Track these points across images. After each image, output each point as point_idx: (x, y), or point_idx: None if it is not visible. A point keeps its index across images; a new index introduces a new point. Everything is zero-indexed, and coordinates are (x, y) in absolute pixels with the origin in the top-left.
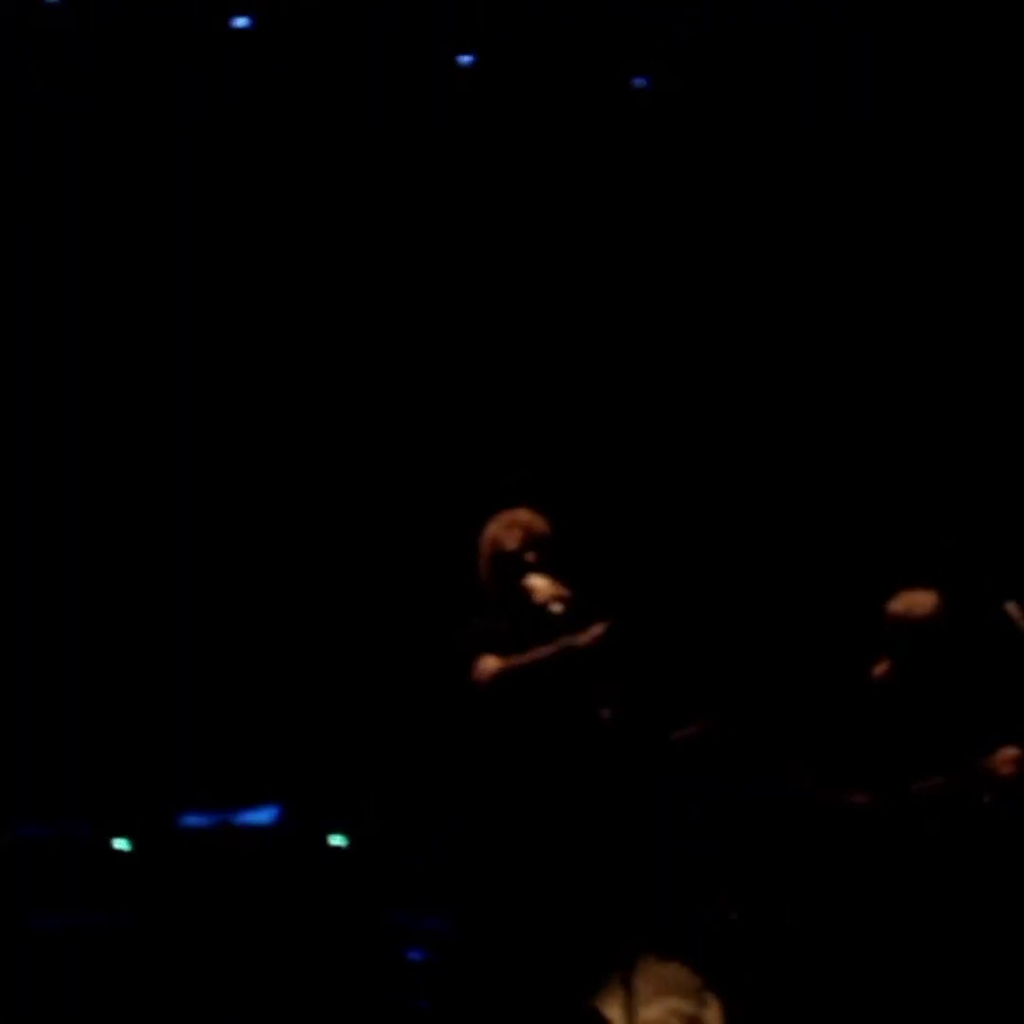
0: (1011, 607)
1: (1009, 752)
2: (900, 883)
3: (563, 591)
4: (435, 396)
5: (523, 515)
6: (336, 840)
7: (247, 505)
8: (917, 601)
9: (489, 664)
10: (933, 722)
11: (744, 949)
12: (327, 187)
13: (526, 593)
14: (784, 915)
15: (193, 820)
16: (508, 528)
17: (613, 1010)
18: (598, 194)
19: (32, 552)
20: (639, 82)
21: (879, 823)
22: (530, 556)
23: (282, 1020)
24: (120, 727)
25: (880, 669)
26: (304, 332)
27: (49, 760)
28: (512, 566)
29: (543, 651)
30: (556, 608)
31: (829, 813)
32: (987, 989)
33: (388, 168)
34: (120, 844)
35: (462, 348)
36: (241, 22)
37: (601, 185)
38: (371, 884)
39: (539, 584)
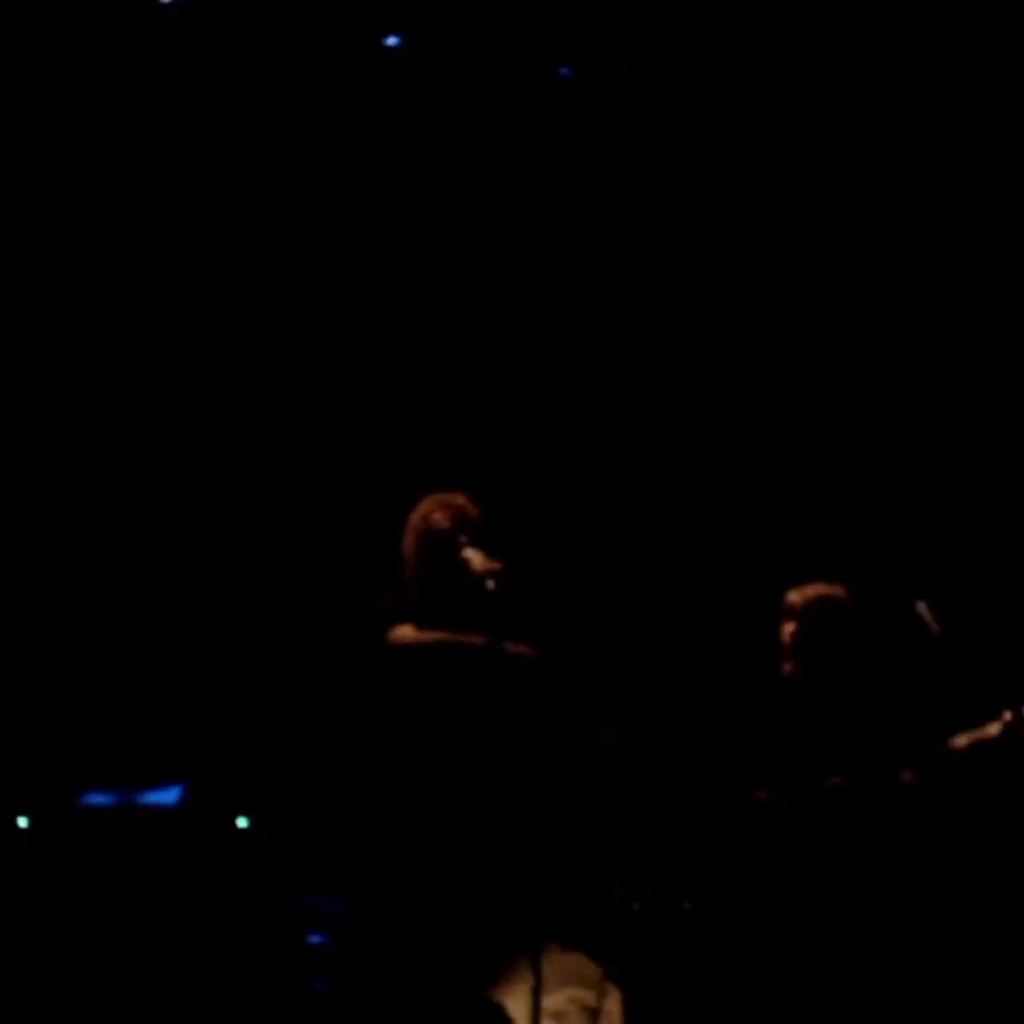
0: (921, 606)
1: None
2: (798, 879)
3: (496, 566)
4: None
5: (457, 498)
6: (240, 822)
7: (156, 481)
8: (817, 591)
9: (405, 631)
10: (838, 718)
11: (645, 940)
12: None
13: (461, 566)
14: (685, 906)
15: (95, 799)
16: (442, 508)
17: (515, 999)
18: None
19: None
20: (564, 72)
21: (778, 819)
22: (463, 538)
23: (182, 1004)
24: (23, 703)
25: (788, 667)
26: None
27: None
28: (444, 545)
29: (467, 641)
30: (490, 584)
31: (732, 807)
32: (884, 984)
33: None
34: (19, 821)
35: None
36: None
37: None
38: (273, 866)
39: (475, 557)
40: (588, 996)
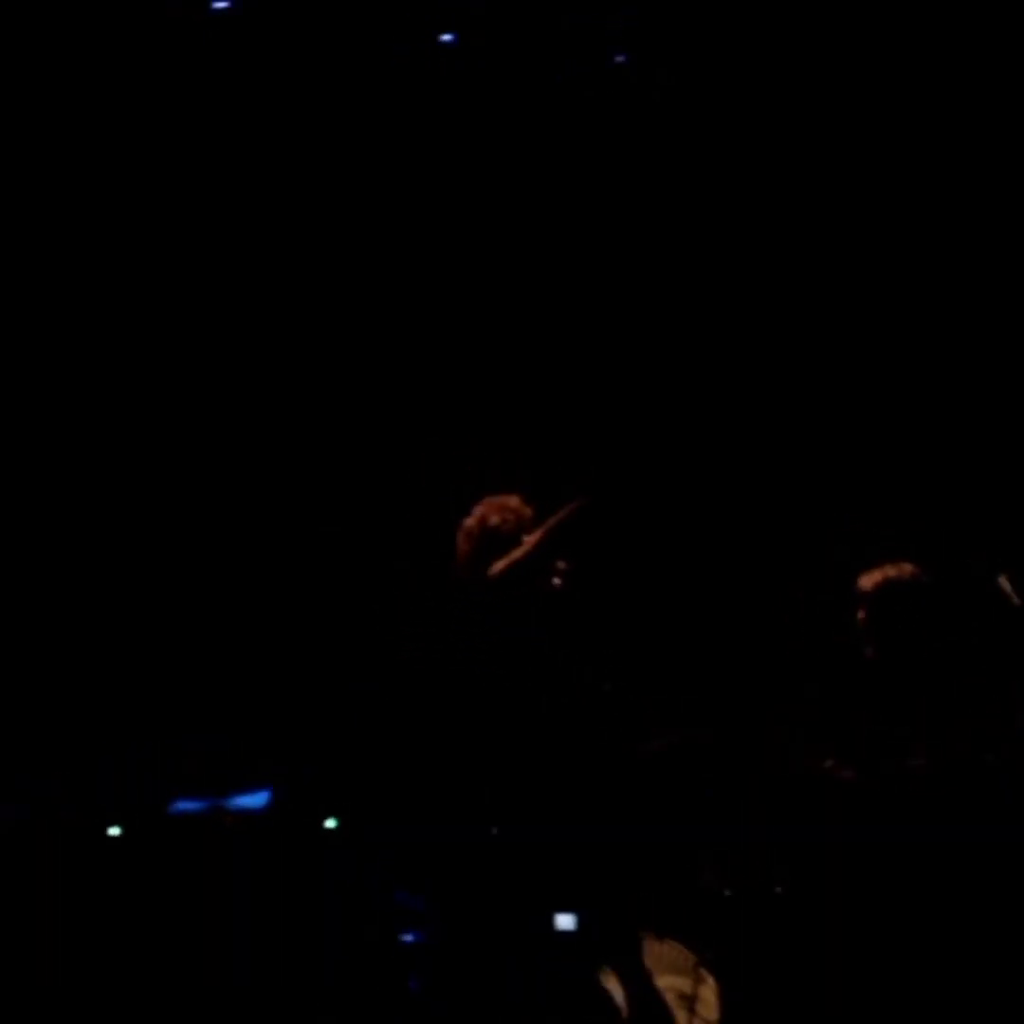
0: (1003, 580)
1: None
2: (885, 861)
3: (561, 565)
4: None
5: (514, 501)
6: (329, 823)
7: (228, 493)
8: (886, 575)
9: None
10: (923, 698)
11: (738, 927)
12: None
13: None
14: (777, 892)
15: (184, 805)
16: (501, 511)
17: (615, 987)
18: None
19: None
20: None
21: (866, 798)
22: (525, 538)
23: (276, 1005)
24: (110, 714)
25: (869, 651)
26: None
27: (41, 745)
28: (504, 547)
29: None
30: (556, 581)
31: (818, 788)
32: (974, 968)
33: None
34: (111, 830)
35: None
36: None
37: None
38: (364, 866)
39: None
40: (683, 983)
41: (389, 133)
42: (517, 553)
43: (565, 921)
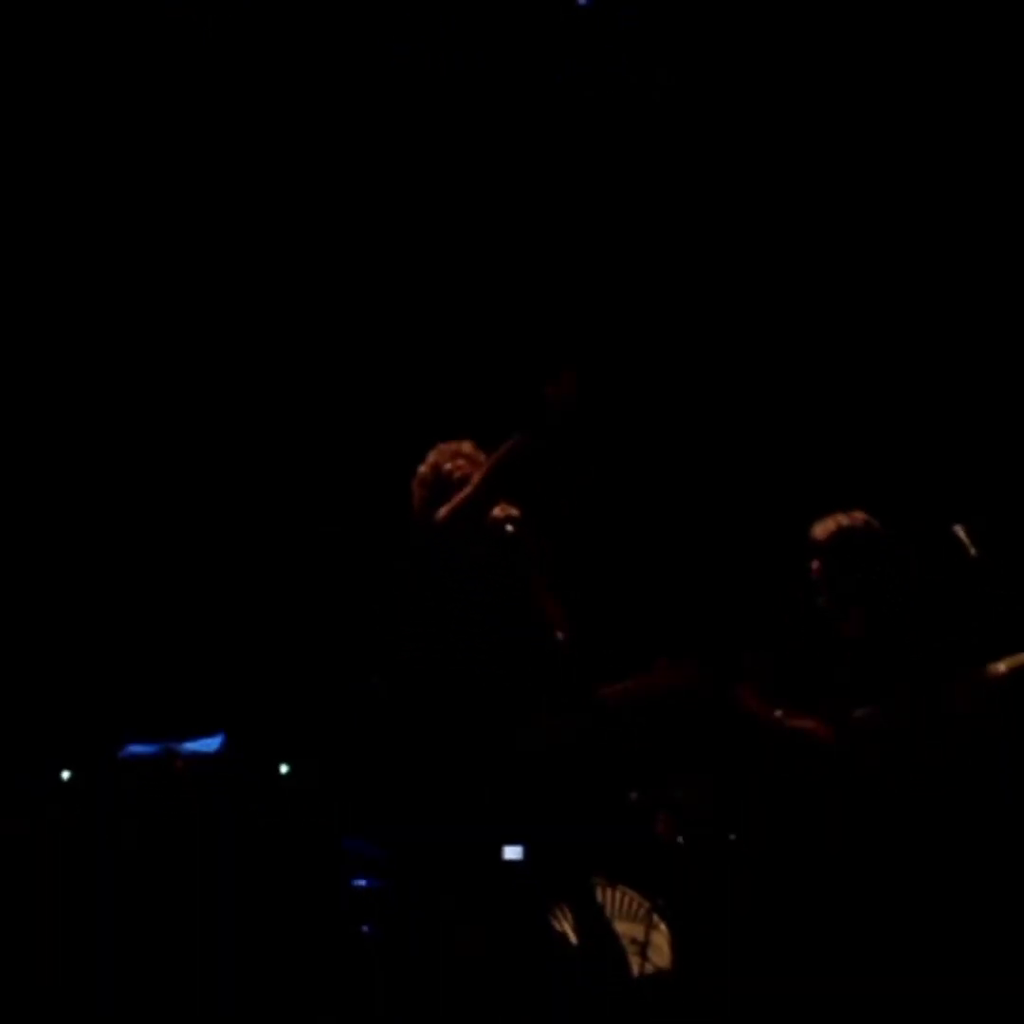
0: (959, 529)
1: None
2: (846, 809)
3: (513, 511)
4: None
5: (467, 446)
6: (281, 768)
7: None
8: (838, 524)
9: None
10: (878, 647)
11: (691, 874)
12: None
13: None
14: (730, 838)
15: (136, 749)
16: (452, 458)
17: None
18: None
19: None
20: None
21: (825, 749)
22: None
23: (226, 951)
24: (65, 658)
25: (823, 601)
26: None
27: None
28: (457, 492)
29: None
30: (508, 527)
31: (776, 739)
32: (926, 913)
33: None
34: (63, 774)
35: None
36: None
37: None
38: (316, 811)
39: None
40: (636, 930)
41: (389, 133)
42: (459, 496)
43: (512, 851)
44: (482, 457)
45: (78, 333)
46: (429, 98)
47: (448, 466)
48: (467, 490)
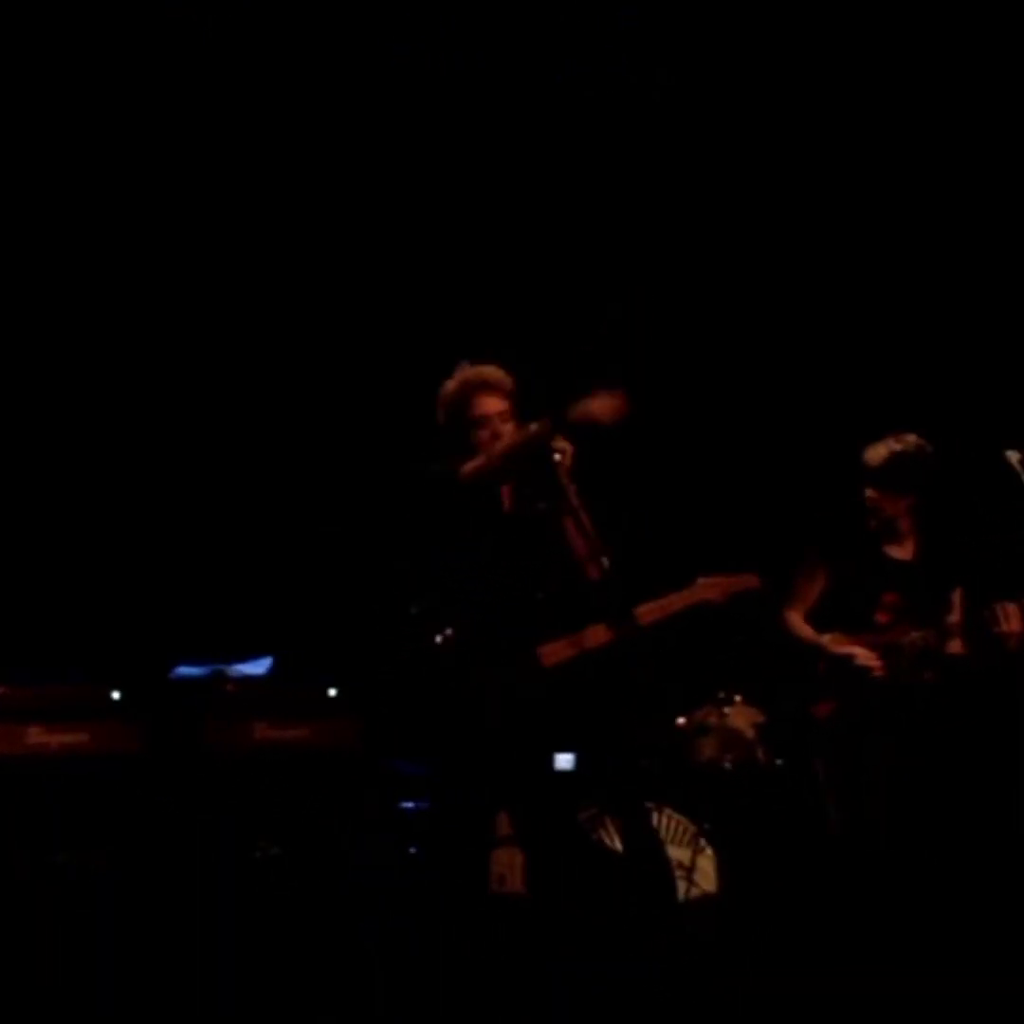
0: (1012, 455)
1: (1011, 608)
2: (893, 735)
3: (565, 444)
4: None
5: (492, 375)
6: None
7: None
8: (890, 448)
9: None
10: (929, 572)
11: (738, 799)
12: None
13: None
14: (777, 763)
15: (185, 671)
16: (477, 394)
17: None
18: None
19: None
20: None
21: (875, 674)
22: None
23: (274, 871)
24: (113, 579)
25: (872, 524)
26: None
27: (42, 611)
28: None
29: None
30: (557, 457)
31: (825, 663)
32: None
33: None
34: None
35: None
36: None
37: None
38: (366, 734)
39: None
40: (682, 854)
41: (389, 133)
42: (479, 463)
43: (564, 760)
44: (506, 382)
45: (78, 331)
46: (429, 98)
47: (472, 413)
48: (486, 462)
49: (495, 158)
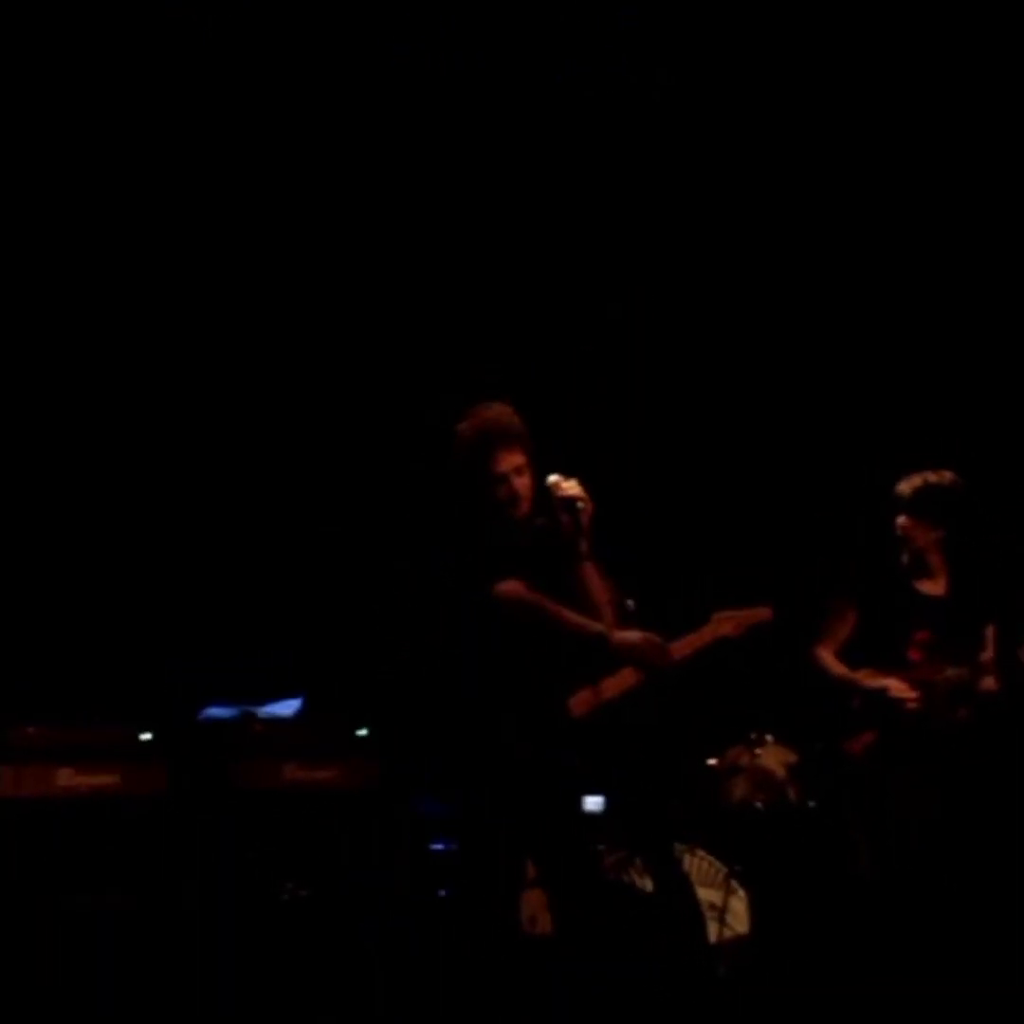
0: None
1: None
2: (927, 772)
3: (580, 494)
4: None
5: (514, 423)
6: (360, 731)
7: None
8: (924, 480)
9: (516, 590)
10: (960, 607)
11: (770, 839)
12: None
13: (549, 490)
14: (809, 804)
15: (215, 712)
16: (500, 442)
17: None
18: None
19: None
20: None
21: (909, 710)
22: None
23: (300, 913)
24: (142, 621)
25: (905, 558)
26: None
27: (72, 653)
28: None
29: (579, 624)
30: (580, 505)
31: (859, 698)
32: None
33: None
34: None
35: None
36: None
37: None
38: (396, 776)
39: (565, 483)
40: (714, 895)
41: (389, 133)
42: (553, 610)
43: (593, 803)
44: (524, 432)
45: (77, 329)
46: (429, 98)
47: (495, 469)
48: (553, 614)
49: (495, 158)
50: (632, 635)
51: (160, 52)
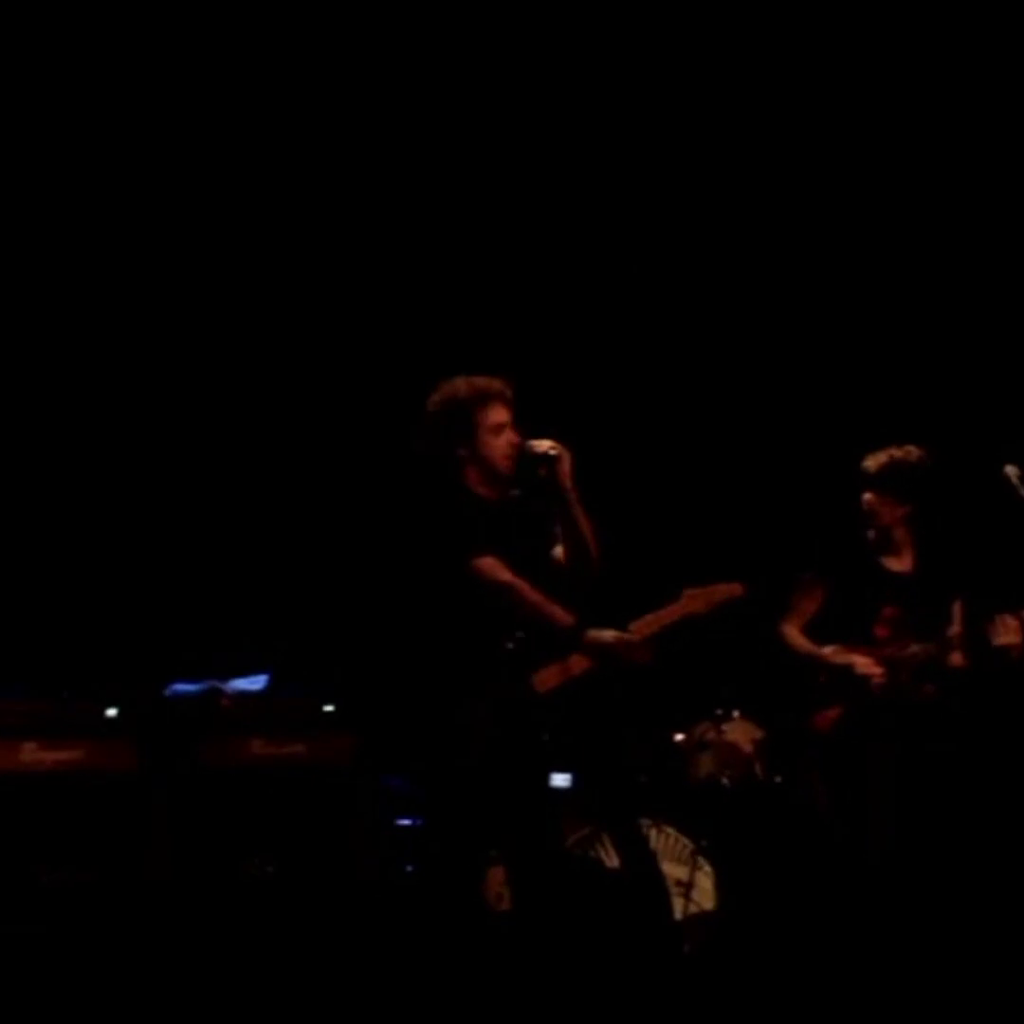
0: (1010, 470)
1: (1011, 621)
2: (893, 748)
3: (552, 447)
4: None
5: (496, 384)
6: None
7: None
8: (890, 456)
9: (494, 569)
10: (925, 584)
11: (736, 815)
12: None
13: (525, 453)
14: (776, 780)
15: (182, 688)
16: (489, 402)
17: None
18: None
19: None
20: None
21: (875, 685)
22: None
23: (267, 888)
24: (108, 597)
25: (871, 534)
26: None
27: (38, 628)
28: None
29: (552, 616)
30: (554, 452)
31: (825, 674)
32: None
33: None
34: (109, 712)
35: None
36: None
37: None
38: (362, 753)
39: (537, 442)
40: (681, 871)
41: (389, 133)
42: (530, 599)
43: (560, 778)
44: (505, 390)
45: (77, 326)
46: (429, 98)
47: (488, 420)
48: (530, 603)
49: (495, 158)
50: (606, 634)
51: (160, 52)
